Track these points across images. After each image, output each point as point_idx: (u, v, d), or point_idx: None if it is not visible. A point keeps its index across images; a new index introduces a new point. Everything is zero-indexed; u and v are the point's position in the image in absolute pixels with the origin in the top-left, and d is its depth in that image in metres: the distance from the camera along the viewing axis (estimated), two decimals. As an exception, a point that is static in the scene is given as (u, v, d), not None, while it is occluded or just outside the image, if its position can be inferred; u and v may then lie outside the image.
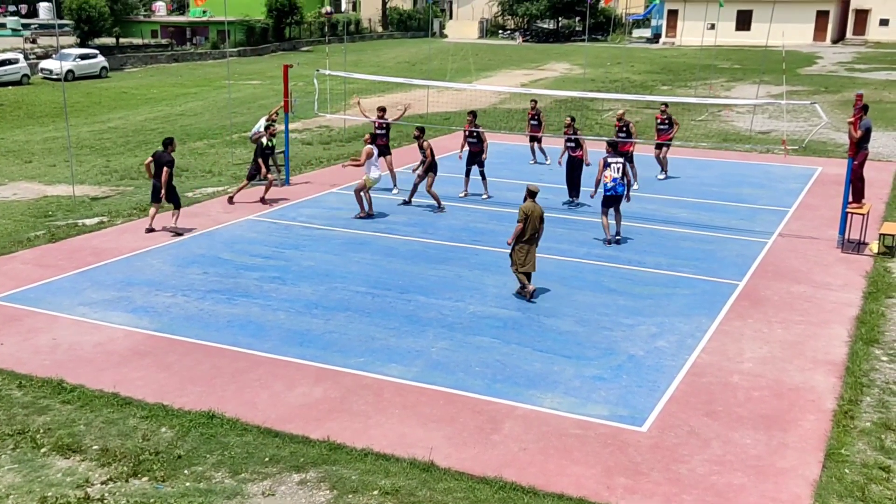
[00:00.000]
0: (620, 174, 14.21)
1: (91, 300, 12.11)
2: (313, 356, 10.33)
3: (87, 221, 16.34)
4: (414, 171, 17.86)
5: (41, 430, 8.59)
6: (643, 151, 21.10)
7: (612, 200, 14.37)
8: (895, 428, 8.81)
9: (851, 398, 9.37)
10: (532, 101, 22.34)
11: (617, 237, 14.48)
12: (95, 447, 8.28)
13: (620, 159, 14.42)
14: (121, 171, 21.47)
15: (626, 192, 14.48)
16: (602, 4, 67.46)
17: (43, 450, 8.25)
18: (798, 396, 9.49)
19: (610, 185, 14.27)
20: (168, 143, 15.47)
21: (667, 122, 19.94)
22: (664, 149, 20.21)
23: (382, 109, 19.25)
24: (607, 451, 8.30)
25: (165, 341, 10.74)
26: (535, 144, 22.09)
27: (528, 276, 12.27)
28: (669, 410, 9.12)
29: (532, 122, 22.01)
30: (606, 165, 14.31)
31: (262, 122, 20.44)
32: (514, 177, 20.21)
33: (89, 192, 19.07)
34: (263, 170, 17.51)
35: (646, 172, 20.19)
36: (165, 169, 15.10)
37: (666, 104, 20.14)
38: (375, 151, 16.59)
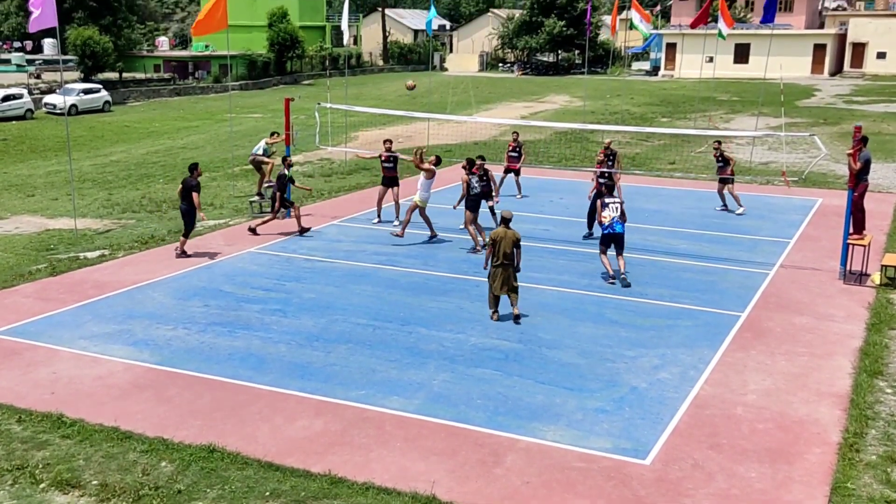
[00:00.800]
0: (619, 213, 14.36)
1: (92, 333, 12.09)
2: (314, 389, 10.28)
3: (89, 255, 16.36)
4: (455, 207, 17.52)
5: (40, 465, 8.52)
6: (634, 182, 21.10)
7: (609, 238, 14.48)
8: (901, 460, 8.73)
9: (856, 431, 9.30)
10: (514, 132, 22.38)
11: (624, 279, 14.30)
12: (95, 482, 8.22)
13: (619, 199, 14.60)
14: (123, 204, 21.54)
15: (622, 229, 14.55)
16: (609, 37, 68.01)
17: (42, 485, 8.18)
18: (803, 429, 9.42)
19: (607, 223, 14.37)
20: (193, 168, 16.19)
21: (720, 158, 20.05)
22: (729, 184, 20.25)
23: (389, 141, 18.93)
24: (610, 485, 8.22)
25: (166, 374, 10.70)
26: (513, 176, 21.84)
27: (514, 298, 12.57)
28: (673, 443, 9.05)
29: (511, 153, 21.88)
30: (605, 206, 14.48)
31: (261, 144, 20.50)
32: (518, 208, 20.18)
33: (91, 225, 19.11)
34: (277, 203, 17.60)
35: (634, 204, 20.13)
36: (195, 194, 15.75)
37: (719, 140, 20.48)
38: (434, 174, 16.88)
